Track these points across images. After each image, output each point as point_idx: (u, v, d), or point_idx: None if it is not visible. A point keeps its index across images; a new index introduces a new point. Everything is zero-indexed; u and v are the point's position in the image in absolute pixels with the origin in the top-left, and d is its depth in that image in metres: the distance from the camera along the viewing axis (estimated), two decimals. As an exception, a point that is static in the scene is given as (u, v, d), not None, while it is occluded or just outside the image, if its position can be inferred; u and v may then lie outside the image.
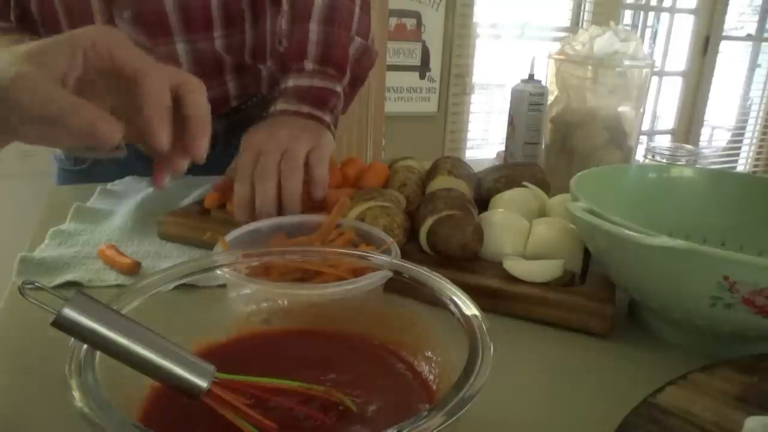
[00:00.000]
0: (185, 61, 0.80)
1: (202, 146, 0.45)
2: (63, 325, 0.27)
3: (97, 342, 0.28)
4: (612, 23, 0.89)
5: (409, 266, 0.40)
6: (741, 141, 3.90)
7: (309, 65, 0.73)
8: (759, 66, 3.72)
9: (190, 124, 0.45)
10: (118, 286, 0.55)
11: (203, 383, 0.29)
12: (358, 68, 0.80)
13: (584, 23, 3.10)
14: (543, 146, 0.95)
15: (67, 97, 0.39)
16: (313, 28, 0.74)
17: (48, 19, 0.79)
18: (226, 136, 0.90)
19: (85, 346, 0.29)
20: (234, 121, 0.90)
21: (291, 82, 0.73)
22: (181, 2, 0.76)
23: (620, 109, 0.88)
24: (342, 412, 0.32)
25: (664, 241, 0.41)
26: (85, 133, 0.38)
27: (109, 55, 0.42)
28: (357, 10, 0.78)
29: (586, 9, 3.11)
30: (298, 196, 0.60)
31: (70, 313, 0.27)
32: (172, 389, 0.30)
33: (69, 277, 0.55)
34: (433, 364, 0.37)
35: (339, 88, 0.74)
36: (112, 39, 0.42)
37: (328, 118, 0.71)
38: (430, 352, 0.38)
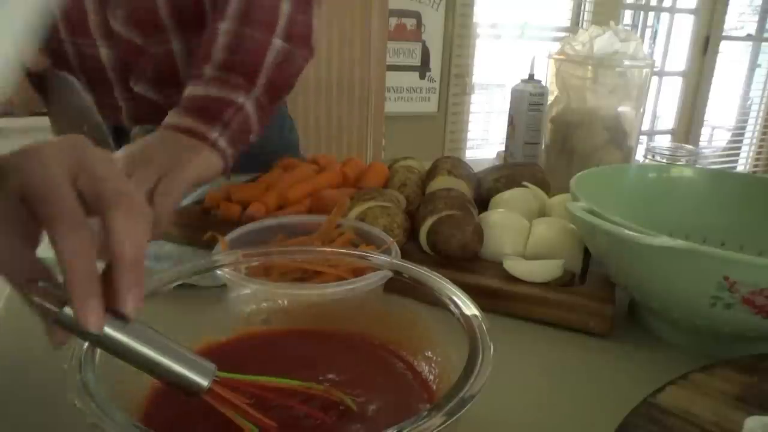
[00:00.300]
0: (181, 59, 0.79)
1: (134, 299, 0.29)
2: (64, 323, 0.27)
3: (97, 340, 0.28)
4: (612, 23, 0.89)
5: (409, 266, 0.40)
6: (741, 141, 3.90)
7: (208, 71, 0.65)
8: (759, 66, 3.72)
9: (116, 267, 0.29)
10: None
11: (204, 381, 0.29)
12: (278, 75, 0.68)
13: (584, 23, 3.10)
14: (543, 146, 0.95)
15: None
16: (224, 28, 0.66)
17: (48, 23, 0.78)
18: None
19: (86, 345, 0.29)
20: None
21: (187, 91, 0.64)
22: (173, 1, 0.73)
23: (620, 109, 0.88)
24: (342, 412, 0.32)
25: (664, 241, 0.41)
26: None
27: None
28: (285, 6, 0.68)
29: (586, 9, 3.11)
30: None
31: (70, 311, 0.27)
32: (173, 387, 0.30)
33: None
34: (433, 364, 0.37)
35: (241, 99, 0.64)
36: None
37: (215, 134, 0.61)
38: (430, 352, 0.38)
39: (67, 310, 0.27)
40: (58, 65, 0.81)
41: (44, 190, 0.28)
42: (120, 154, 0.56)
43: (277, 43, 0.67)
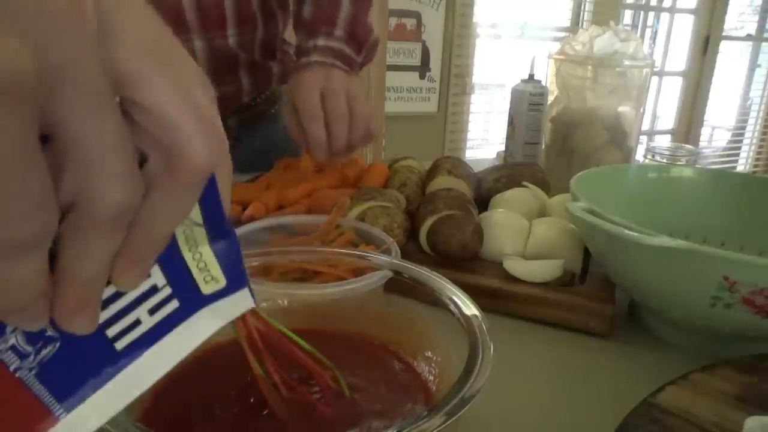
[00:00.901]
0: (202, 57, 0.81)
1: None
2: None
3: None
4: (612, 23, 0.89)
5: (409, 266, 0.40)
6: (741, 141, 3.90)
7: (339, 32, 0.78)
8: (759, 66, 3.72)
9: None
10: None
11: (251, 302, 0.28)
12: (365, 59, 0.82)
13: (584, 23, 3.10)
14: (543, 146, 0.95)
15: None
16: (345, 4, 0.79)
17: None
18: (237, 131, 0.91)
19: None
20: (245, 118, 0.91)
21: (322, 42, 0.76)
22: (197, 0, 0.77)
23: (620, 109, 0.88)
24: (343, 409, 0.32)
25: (664, 241, 0.41)
26: None
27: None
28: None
29: (586, 9, 3.11)
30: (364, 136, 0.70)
31: None
32: None
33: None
34: (433, 364, 0.37)
35: (358, 61, 0.79)
36: None
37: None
38: (430, 352, 0.38)
39: None
40: None
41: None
42: (312, 76, 0.71)
43: (374, 32, 0.83)
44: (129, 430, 0.25)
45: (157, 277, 0.24)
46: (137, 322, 0.23)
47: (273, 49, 0.90)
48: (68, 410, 0.21)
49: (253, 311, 0.29)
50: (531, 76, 0.96)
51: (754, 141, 3.87)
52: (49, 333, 0.21)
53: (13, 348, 0.20)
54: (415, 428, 0.25)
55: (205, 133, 0.20)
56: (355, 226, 0.56)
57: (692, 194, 0.64)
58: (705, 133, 3.72)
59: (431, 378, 0.37)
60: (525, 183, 0.70)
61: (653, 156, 0.94)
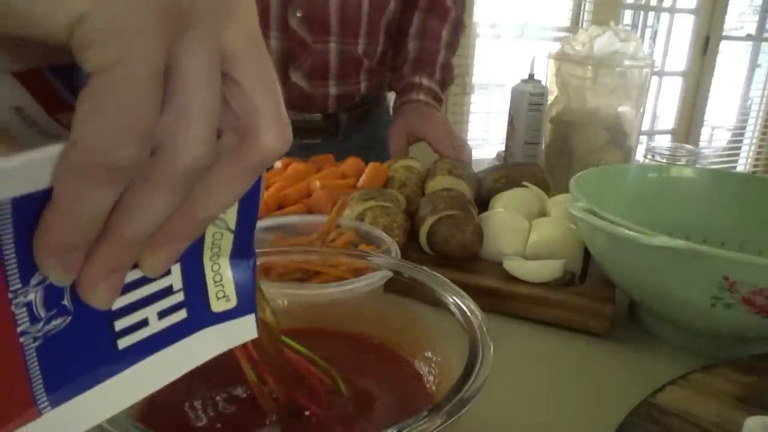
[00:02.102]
0: (334, 58, 0.94)
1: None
2: None
3: None
4: (612, 23, 0.89)
5: (409, 266, 0.40)
6: (741, 141, 3.89)
7: (437, 75, 1.00)
8: (759, 66, 3.71)
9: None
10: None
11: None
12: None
13: (584, 23, 3.10)
14: (543, 146, 0.95)
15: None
16: (441, 52, 1.01)
17: None
18: (347, 127, 1.02)
19: None
20: (353, 116, 1.02)
21: (426, 81, 0.98)
22: (341, 10, 0.91)
23: (620, 109, 0.88)
24: (342, 409, 0.32)
25: (664, 241, 0.41)
26: None
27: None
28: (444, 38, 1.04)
29: (586, 9, 3.11)
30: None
31: None
32: None
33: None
34: (433, 365, 0.37)
35: (443, 99, 1.02)
36: None
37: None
38: (430, 353, 0.38)
39: None
40: None
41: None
42: (417, 116, 0.95)
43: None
44: (129, 431, 0.25)
45: (176, 277, 0.23)
46: (145, 323, 0.22)
47: (386, 61, 1.06)
48: (53, 405, 0.19)
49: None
50: (531, 76, 0.96)
51: (754, 141, 3.87)
52: (65, 303, 0.19)
53: (28, 306, 0.18)
54: (415, 428, 0.25)
55: (282, 125, 0.21)
56: (355, 226, 0.56)
57: (692, 194, 0.64)
58: (705, 133, 3.72)
59: (431, 378, 0.37)
60: (525, 183, 0.70)
61: (653, 156, 0.94)
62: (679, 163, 0.91)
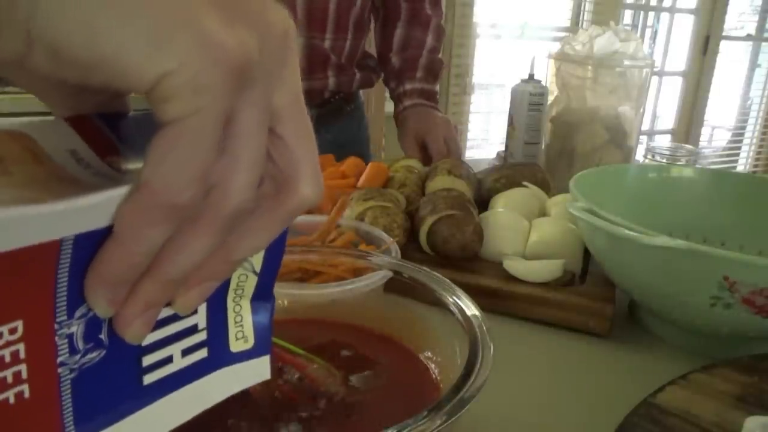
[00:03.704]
0: (301, 53, 0.95)
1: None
2: None
3: None
4: (612, 23, 0.89)
5: (409, 266, 0.40)
6: (741, 141, 3.89)
7: (419, 73, 1.06)
8: (759, 66, 3.71)
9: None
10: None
11: None
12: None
13: (584, 23, 3.09)
14: (543, 146, 0.95)
15: None
16: (424, 54, 1.07)
17: None
18: (317, 123, 1.00)
19: None
20: (323, 112, 1.04)
21: (409, 86, 1.05)
22: (307, 4, 0.93)
23: (620, 109, 0.88)
24: (343, 408, 0.32)
25: (664, 241, 0.41)
26: None
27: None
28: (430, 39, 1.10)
29: (586, 9, 3.11)
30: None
31: None
32: None
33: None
34: (433, 365, 0.37)
35: (436, 90, 1.10)
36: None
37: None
38: (430, 353, 0.38)
39: None
40: None
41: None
42: (417, 120, 1.02)
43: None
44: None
45: (201, 316, 0.23)
46: (169, 360, 0.23)
47: (355, 58, 1.06)
48: None
49: None
50: (531, 76, 0.96)
51: (754, 141, 3.87)
52: (102, 336, 0.20)
53: (70, 338, 0.19)
54: (415, 428, 0.25)
55: (318, 178, 0.23)
56: (355, 226, 0.56)
57: (692, 194, 0.64)
58: (705, 133, 3.72)
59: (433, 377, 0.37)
60: (525, 183, 0.70)
61: (653, 156, 0.94)
62: (679, 163, 0.91)
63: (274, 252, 0.25)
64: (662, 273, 0.45)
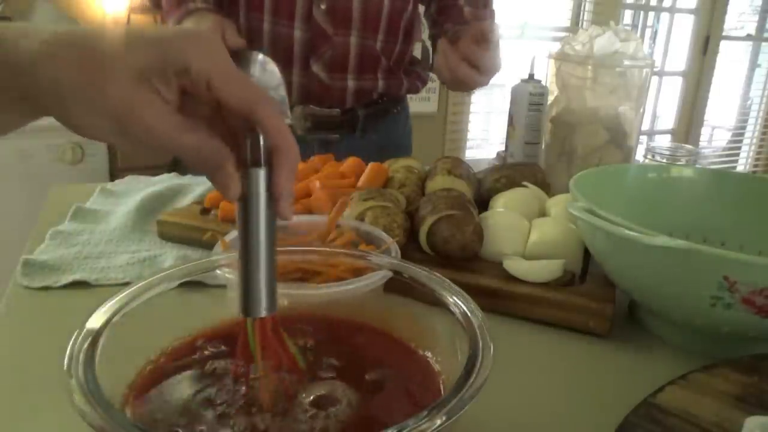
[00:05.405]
0: (354, 52, 0.98)
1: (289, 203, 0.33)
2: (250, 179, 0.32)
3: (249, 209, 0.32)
4: (612, 23, 0.89)
5: (409, 266, 0.40)
6: (741, 141, 3.89)
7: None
8: (759, 66, 3.71)
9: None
10: (125, 284, 0.55)
11: (263, 312, 0.32)
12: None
13: (584, 23, 3.10)
14: (543, 146, 0.95)
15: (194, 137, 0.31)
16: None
17: (253, 3, 0.93)
18: (364, 123, 1.05)
19: (86, 344, 0.29)
20: (371, 113, 1.05)
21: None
22: (363, 4, 0.96)
23: (620, 109, 0.88)
24: (344, 409, 0.32)
25: (664, 241, 0.41)
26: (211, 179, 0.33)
27: (209, 86, 0.31)
28: None
29: (586, 9, 3.11)
30: None
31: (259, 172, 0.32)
32: (241, 293, 0.32)
33: (76, 276, 0.55)
34: (433, 365, 0.37)
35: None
36: (211, 63, 0.31)
37: None
38: (430, 353, 0.38)
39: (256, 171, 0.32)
40: (250, 43, 0.95)
41: (240, 76, 0.32)
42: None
43: None
44: (129, 430, 0.25)
45: None
46: None
47: (403, 63, 1.09)
48: None
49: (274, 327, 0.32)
50: (531, 76, 0.96)
51: (754, 141, 3.87)
52: None
53: None
54: (415, 428, 0.25)
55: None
56: (355, 226, 0.56)
57: (692, 194, 0.64)
58: (705, 133, 3.72)
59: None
60: (525, 183, 0.70)
61: (653, 156, 0.94)
62: (679, 163, 0.91)
63: None
64: (662, 273, 0.45)
